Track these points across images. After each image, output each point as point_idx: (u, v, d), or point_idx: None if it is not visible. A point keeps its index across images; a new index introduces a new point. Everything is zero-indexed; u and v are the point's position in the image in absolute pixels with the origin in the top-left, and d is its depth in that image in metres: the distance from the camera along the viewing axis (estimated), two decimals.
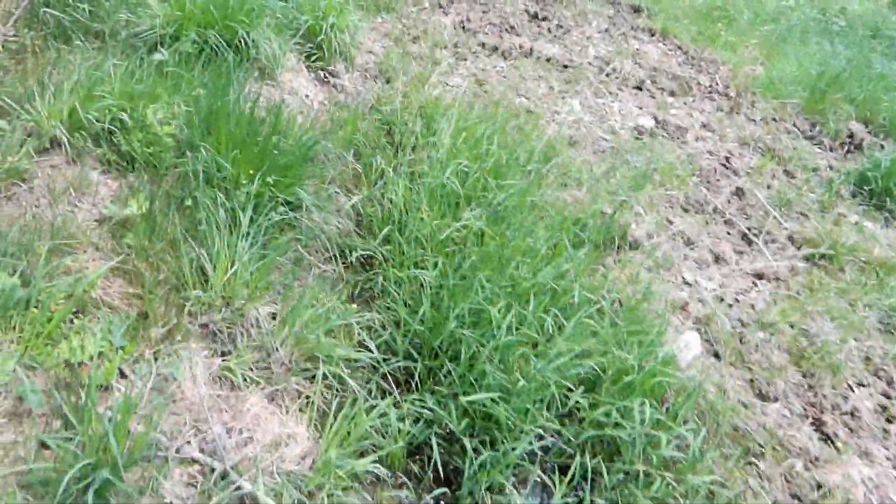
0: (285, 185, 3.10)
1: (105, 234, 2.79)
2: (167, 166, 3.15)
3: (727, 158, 5.33)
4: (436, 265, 3.03)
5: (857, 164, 5.86)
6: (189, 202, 2.88)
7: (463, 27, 6.69)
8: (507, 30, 6.84)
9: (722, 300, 3.83)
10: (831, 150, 6.17)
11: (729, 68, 7.23)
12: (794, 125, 6.42)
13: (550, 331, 2.69)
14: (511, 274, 2.84)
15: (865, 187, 5.36)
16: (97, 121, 3.12)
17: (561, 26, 7.31)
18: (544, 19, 7.36)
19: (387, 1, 6.76)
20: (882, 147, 6.21)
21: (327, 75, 4.89)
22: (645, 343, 2.71)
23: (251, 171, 3.04)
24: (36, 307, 2.30)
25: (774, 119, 6.39)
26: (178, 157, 3.21)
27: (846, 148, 6.23)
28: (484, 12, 7.24)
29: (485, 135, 3.82)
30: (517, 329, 2.65)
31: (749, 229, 4.49)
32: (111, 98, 3.19)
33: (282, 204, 3.03)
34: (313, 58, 4.86)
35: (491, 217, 3.24)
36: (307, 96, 4.47)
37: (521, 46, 6.48)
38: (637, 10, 8.51)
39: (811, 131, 6.37)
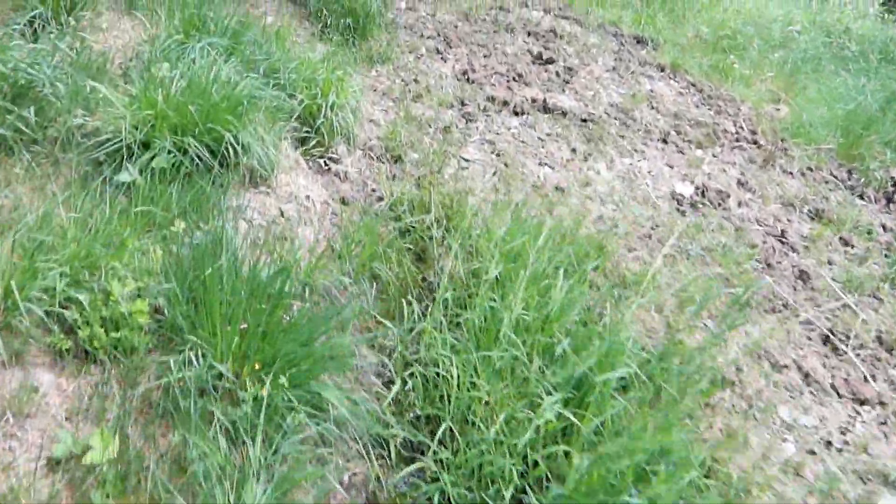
0: (303, 380, 2.23)
1: (62, 487, 1.91)
2: (142, 353, 2.27)
3: (782, 232, 4.55)
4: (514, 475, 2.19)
5: None
6: (175, 437, 2.00)
7: (467, 78, 5.83)
8: (514, 78, 5.99)
9: (829, 444, 3.04)
10: (875, 201, 5.42)
11: (749, 107, 6.46)
12: (832, 174, 5.66)
13: None
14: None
15: None
16: (44, 299, 2.23)
17: (569, 68, 6.47)
18: (549, 61, 6.52)
19: (381, 51, 5.88)
20: None
21: (328, 162, 4.01)
22: None
23: (257, 366, 2.17)
24: None
25: (810, 168, 5.62)
26: (156, 340, 2.33)
27: (889, 198, 5.50)
28: (486, 56, 6.39)
29: (538, 263, 2.96)
30: None
31: (831, 332, 3.71)
32: (62, 264, 2.30)
33: (299, 412, 2.16)
34: (311, 143, 3.97)
35: (573, 397, 2.40)
36: (308, 197, 3.58)
37: (533, 100, 5.64)
38: (640, 41, 7.70)
39: (849, 180, 5.63)
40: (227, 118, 3.13)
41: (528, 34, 7.28)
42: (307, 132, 3.93)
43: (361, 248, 3.19)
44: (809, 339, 3.67)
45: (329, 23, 6.01)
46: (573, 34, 7.46)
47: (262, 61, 3.98)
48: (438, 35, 6.70)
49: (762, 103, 6.59)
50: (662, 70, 7.05)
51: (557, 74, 6.30)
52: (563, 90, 6.06)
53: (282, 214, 3.29)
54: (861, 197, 5.44)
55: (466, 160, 4.53)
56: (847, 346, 3.63)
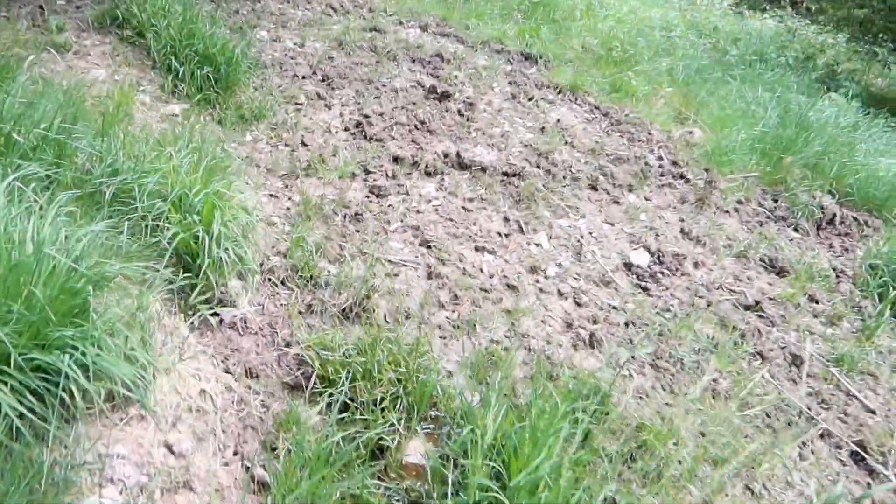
0: None
1: None
2: None
3: (757, 303, 3.82)
4: None
5: (849, 256, 4.64)
6: None
7: (363, 132, 4.64)
8: (416, 126, 4.88)
9: None
10: (808, 232, 4.88)
11: (659, 131, 5.75)
12: (760, 204, 5.06)
13: None
14: None
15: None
16: None
17: (469, 103, 5.44)
18: (446, 95, 5.45)
19: (254, 106, 4.57)
20: (857, 222, 5.01)
21: (218, 310, 2.75)
22: None
23: None
24: None
25: (741, 202, 5.00)
26: None
27: (819, 225, 4.99)
28: (376, 97, 5.21)
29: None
30: None
31: (862, 446, 3.00)
32: None
33: None
34: (193, 292, 2.69)
35: None
36: (202, 393, 2.34)
37: (445, 154, 4.57)
38: (529, 58, 6.79)
39: (778, 209, 5.05)
40: (63, 334, 1.84)
41: (413, 61, 6.16)
42: (186, 278, 2.65)
43: (297, 484, 2.04)
44: (843, 462, 2.94)
45: (181, 74, 4.61)
46: (460, 56, 6.43)
47: (107, 180, 2.64)
48: (315, 73, 5.44)
49: (669, 124, 5.92)
50: (560, 92, 6.19)
51: (460, 113, 5.26)
52: (470, 131, 5.03)
53: (170, 450, 2.06)
54: (795, 229, 4.88)
55: (393, 262, 3.42)
56: (884, 464, 2.94)
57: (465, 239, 3.78)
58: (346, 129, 4.70)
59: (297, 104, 4.89)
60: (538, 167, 4.74)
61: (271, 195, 3.80)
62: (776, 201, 5.14)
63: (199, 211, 2.67)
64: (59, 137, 2.60)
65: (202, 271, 2.64)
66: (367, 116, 4.80)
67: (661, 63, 6.97)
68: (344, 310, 2.96)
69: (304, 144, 4.38)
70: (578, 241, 4.10)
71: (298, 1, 6.88)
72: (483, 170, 4.50)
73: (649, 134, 5.68)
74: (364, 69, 5.69)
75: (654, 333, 3.33)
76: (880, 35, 7.40)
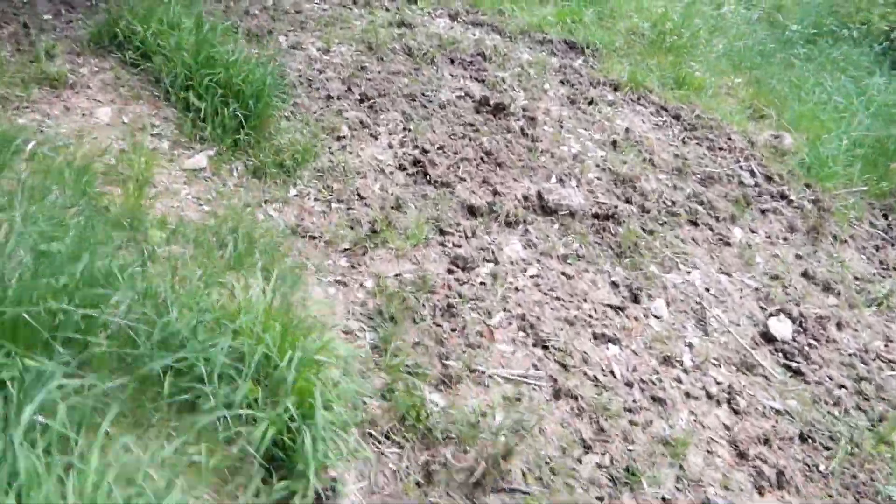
0: None
1: None
2: None
3: None
4: None
5: None
6: None
7: (424, 174, 3.76)
8: (482, 159, 4.00)
9: None
10: None
11: (739, 135, 4.90)
12: (873, 225, 4.30)
13: None
14: None
15: None
16: None
17: (529, 117, 4.54)
18: (500, 108, 4.53)
19: (294, 150, 3.66)
20: None
21: None
22: None
23: None
24: None
25: (852, 224, 4.22)
26: None
27: None
28: (425, 118, 4.30)
29: None
30: None
31: None
32: None
33: None
34: (293, 500, 1.89)
35: None
36: None
37: (525, 198, 3.72)
38: (575, 48, 5.83)
39: (892, 227, 4.30)
40: None
41: (452, 62, 5.20)
42: (284, 484, 1.85)
43: None
44: None
45: (204, 111, 3.68)
46: (501, 52, 5.46)
47: (160, 358, 1.79)
48: (350, 90, 4.48)
49: (745, 123, 5.07)
50: (617, 89, 5.28)
51: (523, 132, 4.36)
52: (538, 155, 4.16)
53: None
54: None
55: (509, 379, 2.62)
56: None
57: (580, 325, 2.97)
58: (402, 168, 3.81)
59: (340, 138, 3.98)
60: (629, 202, 3.91)
61: (338, 281, 2.95)
62: (887, 217, 4.38)
63: (288, 385, 1.84)
64: (87, 310, 1.74)
65: (304, 474, 1.83)
66: (425, 151, 3.90)
67: (717, 46, 6.05)
68: (473, 474, 2.18)
69: (360, 197, 3.51)
70: (698, 303, 3.32)
71: None
72: (571, 214, 3.67)
73: (729, 139, 4.84)
74: (403, 80, 4.74)
75: (844, 453, 2.59)
76: None
